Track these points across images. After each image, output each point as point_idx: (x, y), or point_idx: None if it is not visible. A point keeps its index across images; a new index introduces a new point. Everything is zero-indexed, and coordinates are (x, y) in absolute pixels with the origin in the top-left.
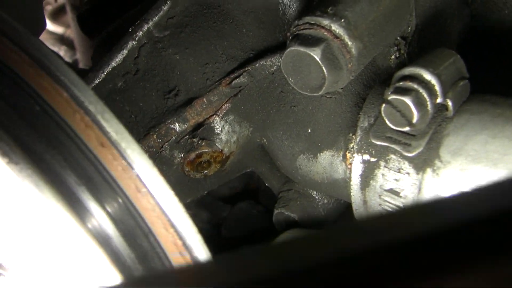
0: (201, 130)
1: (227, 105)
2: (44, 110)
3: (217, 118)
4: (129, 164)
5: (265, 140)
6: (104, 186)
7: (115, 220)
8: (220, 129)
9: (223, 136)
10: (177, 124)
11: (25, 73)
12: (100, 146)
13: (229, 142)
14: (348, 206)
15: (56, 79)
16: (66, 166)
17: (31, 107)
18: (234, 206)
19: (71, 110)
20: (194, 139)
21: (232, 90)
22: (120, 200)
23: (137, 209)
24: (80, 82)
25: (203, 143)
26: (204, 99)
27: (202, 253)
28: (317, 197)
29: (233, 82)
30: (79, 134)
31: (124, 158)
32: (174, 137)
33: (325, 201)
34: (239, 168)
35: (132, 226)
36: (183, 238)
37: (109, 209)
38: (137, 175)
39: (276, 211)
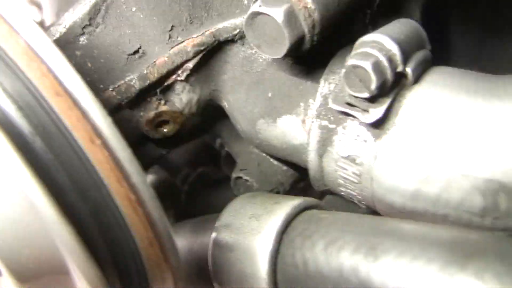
0: (162, 89)
1: (189, 65)
2: (2, 58)
3: (179, 78)
4: (84, 113)
5: (225, 103)
6: (57, 136)
7: (68, 171)
8: (181, 89)
9: (184, 97)
10: (137, 82)
11: None
12: (56, 95)
13: (189, 103)
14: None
15: (13, 27)
16: (21, 115)
17: None
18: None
19: (28, 58)
20: (154, 98)
21: (195, 50)
22: (75, 151)
23: (91, 161)
24: (38, 32)
25: (163, 103)
26: (166, 58)
27: (156, 208)
28: (275, 163)
29: (196, 42)
30: (33, 82)
31: (79, 108)
32: (133, 95)
33: (284, 167)
34: (199, 130)
35: (85, 178)
36: (137, 193)
37: (62, 159)
38: (92, 126)
39: (234, 175)
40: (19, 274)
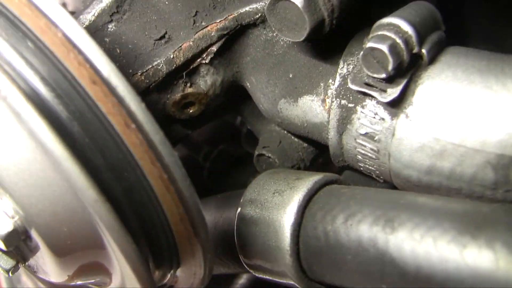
0: (187, 72)
1: (213, 48)
2: (39, 48)
3: (203, 61)
4: (119, 100)
5: (248, 83)
6: (94, 121)
7: (104, 154)
8: (206, 71)
9: (208, 79)
10: (164, 66)
11: (23, 14)
12: (92, 84)
13: (213, 85)
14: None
15: (51, 20)
16: (59, 102)
17: (26, 45)
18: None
19: (65, 49)
20: (180, 81)
21: (218, 34)
22: (111, 135)
23: (126, 144)
24: (75, 24)
25: (189, 85)
26: (191, 43)
27: (186, 186)
28: (296, 140)
29: (219, 27)
30: (71, 71)
31: (114, 94)
32: (161, 79)
33: (305, 144)
34: (222, 110)
35: (120, 159)
36: (169, 172)
37: (99, 143)
38: (127, 111)
39: (257, 153)
40: (57, 249)
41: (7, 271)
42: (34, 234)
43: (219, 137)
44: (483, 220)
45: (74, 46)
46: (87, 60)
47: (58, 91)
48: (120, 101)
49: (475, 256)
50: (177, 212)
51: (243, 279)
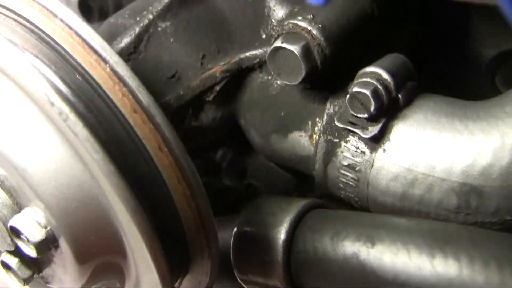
0: (193, 107)
1: (217, 88)
2: (87, 81)
3: (207, 99)
4: (156, 127)
5: (242, 120)
6: (130, 145)
7: (137, 173)
8: (208, 108)
9: (210, 114)
10: (174, 101)
11: (75, 51)
12: (133, 112)
13: (214, 120)
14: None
15: (102, 57)
16: (100, 127)
17: (75, 78)
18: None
19: (112, 82)
20: (187, 115)
21: (222, 76)
22: (144, 157)
23: (157, 165)
24: (120, 61)
25: (194, 119)
26: (199, 82)
27: (205, 202)
28: (281, 172)
29: (223, 69)
30: (115, 102)
31: (152, 122)
32: (171, 112)
33: (289, 175)
34: (216, 144)
35: (150, 178)
36: (192, 190)
37: (133, 164)
38: (162, 136)
39: (245, 182)
40: (82, 257)
41: (24, 281)
42: (62, 242)
43: (202, 170)
44: (449, 236)
45: (120, 79)
46: (130, 92)
47: (99, 117)
48: (156, 127)
49: (443, 265)
50: (194, 225)
51: None
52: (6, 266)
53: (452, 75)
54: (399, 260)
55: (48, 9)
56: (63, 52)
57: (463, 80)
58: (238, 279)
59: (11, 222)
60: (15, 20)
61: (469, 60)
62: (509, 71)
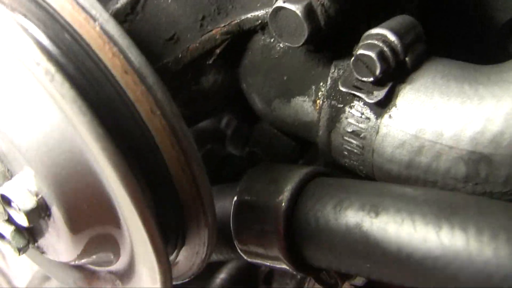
0: (193, 70)
1: (217, 51)
2: (76, 40)
3: (207, 62)
4: (148, 89)
5: (245, 84)
6: (122, 108)
7: (129, 137)
8: (208, 71)
9: (210, 78)
10: (172, 65)
11: (63, 9)
12: (124, 73)
13: (215, 84)
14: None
15: (91, 15)
16: (90, 89)
17: (64, 38)
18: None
19: (102, 41)
20: (187, 78)
21: (222, 38)
22: (136, 120)
23: (149, 129)
24: (111, 19)
25: (193, 83)
26: (198, 44)
27: (200, 169)
28: (285, 138)
29: (223, 31)
30: (105, 62)
31: (144, 83)
32: (169, 75)
33: (292, 143)
34: (218, 109)
35: (143, 143)
36: (186, 156)
37: (125, 128)
38: (153, 99)
39: (248, 149)
40: (75, 226)
41: (19, 250)
42: (54, 211)
43: (206, 138)
44: (457, 207)
45: (110, 38)
46: (121, 51)
47: (89, 79)
48: (148, 89)
49: (450, 236)
50: (189, 192)
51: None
52: (1, 236)
53: (462, 39)
54: (404, 231)
55: None
56: (51, 10)
57: (474, 44)
58: (238, 249)
59: (2, 190)
60: None
61: (480, 23)
62: None
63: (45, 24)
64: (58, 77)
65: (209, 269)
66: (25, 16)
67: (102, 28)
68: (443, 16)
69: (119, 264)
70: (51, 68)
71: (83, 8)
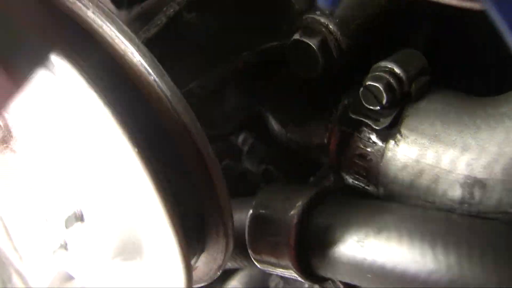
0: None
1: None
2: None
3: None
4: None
5: (262, 108)
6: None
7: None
8: (231, 94)
9: (232, 100)
10: (198, 89)
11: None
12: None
13: (236, 107)
14: None
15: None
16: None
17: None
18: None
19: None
20: (210, 102)
21: (245, 66)
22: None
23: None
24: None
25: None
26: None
27: (219, 173)
28: (298, 158)
29: (245, 60)
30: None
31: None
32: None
33: (305, 162)
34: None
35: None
36: (209, 172)
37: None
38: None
39: (263, 167)
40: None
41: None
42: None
43: (223, 153)
44: (452, 226)
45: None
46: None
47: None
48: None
49: (443, 256)
50: (210, 204)
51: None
52: None
53: (465, 71)
54: (402, 249)
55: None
56: None
57: (476, 77)
58: (252, 258)
59: None
60: None
61: (482, 57)
62: None
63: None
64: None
65: (222, 277)
66: None
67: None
68: (448, 51)
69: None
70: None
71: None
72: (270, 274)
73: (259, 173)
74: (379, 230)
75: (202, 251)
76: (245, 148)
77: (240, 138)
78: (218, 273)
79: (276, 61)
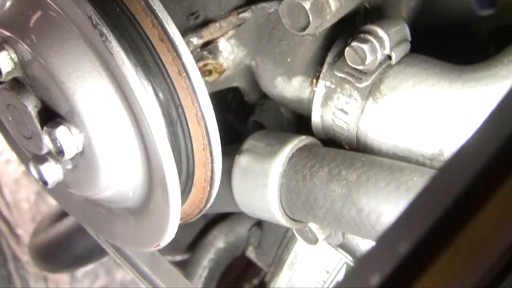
0: (210, 46)
1: (232, 31)
2: (124, 12)
3: (223, 40)
4: (177, 55)
5: (253, 62)
6: (155, 68)
7: (159, 93)
8: (224, 48)
9: (225, 54)
10: (195, 39)
11: None
12: (160, 41)
13: (228, 59)
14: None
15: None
16: (131, 52)
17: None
18: None
19: (145, 14)
20: (204, 52)
21: (237, 21)
22: (166, 80)
23: (176, 87)
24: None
25: (210, 56)
26: (217, 24)
27: (212, 121)
28: (284, 113)
29: (239, 15)
30: (146, 31)
31: (175, 51)
32: (191, 48)
33: (289, 116)
34: (229, 81)
35: (168, 99)
36: (202, 111)
37: (156, 85)
38: (182, 64)
39: (251, 119)
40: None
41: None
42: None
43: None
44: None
45: (152, 12)
46: (160, 24)
47: (131, 43)
48: (178, 56)
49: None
50: (201, 142)
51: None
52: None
53: (444, 40)
54: (373, 190)
55: None
56: None
57: (458, 48)
58: (236, 202)
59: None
60: None
61: (466, 32)
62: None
63: None
64: (110, 38)
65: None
66: None
67: (146, 3)
68: (431, 22)
69: (134, 200)
70: (105, 31)
71: None
72: (249, 224)
73: (247, 125)
74: (358, 175)
75: (189, 191)
76: (234, 104)
77: (230, 95)
78: (205, 209)
79: (268, 19)
